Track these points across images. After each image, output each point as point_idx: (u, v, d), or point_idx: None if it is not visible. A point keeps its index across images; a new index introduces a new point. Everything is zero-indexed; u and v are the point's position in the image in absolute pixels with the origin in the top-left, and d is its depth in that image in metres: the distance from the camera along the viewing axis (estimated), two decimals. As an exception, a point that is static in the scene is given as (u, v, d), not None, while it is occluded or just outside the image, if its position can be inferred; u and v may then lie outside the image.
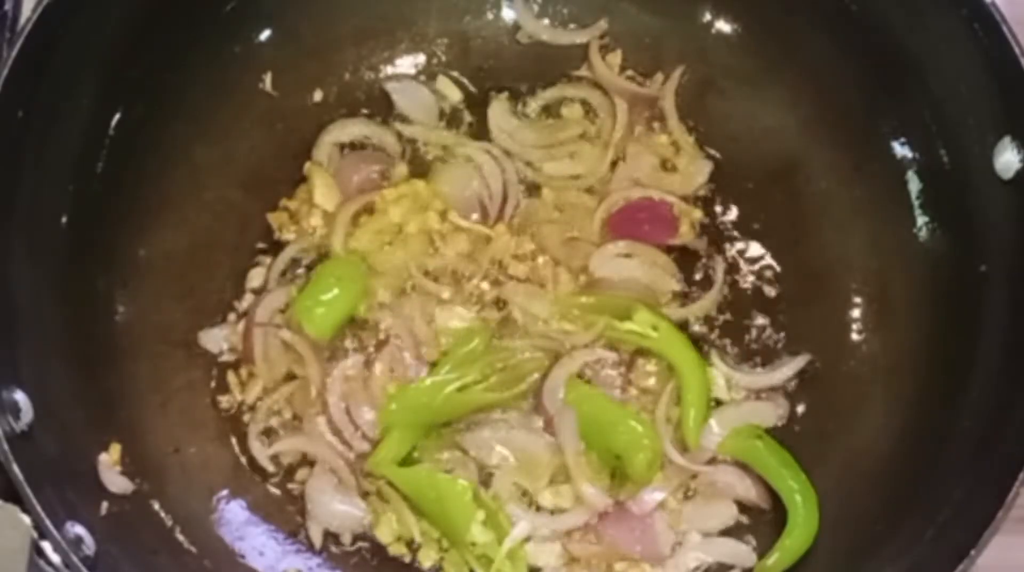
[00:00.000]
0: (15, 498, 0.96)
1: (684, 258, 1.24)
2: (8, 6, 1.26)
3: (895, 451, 1.15)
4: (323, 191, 1.24)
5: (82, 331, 1.13)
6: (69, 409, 1.08)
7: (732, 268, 1.24)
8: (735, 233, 1.25)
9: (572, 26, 1.30)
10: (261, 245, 1.24)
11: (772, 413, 1.20)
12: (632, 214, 1.24)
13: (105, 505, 1.06)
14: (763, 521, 1.18)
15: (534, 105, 1.29)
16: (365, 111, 1.29)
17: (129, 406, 1.15)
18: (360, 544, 1.17)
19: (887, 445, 1.16)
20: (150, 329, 1.19)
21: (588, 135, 1.28)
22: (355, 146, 1.28)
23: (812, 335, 1.22)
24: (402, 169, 1.26)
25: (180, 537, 1.12)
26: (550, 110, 1.29)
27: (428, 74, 1.30)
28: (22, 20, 1.21)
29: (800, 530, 1.14)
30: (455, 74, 1.30)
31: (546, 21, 1.30)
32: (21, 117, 1.03)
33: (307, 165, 1.26)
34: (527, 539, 1.15)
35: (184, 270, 1.21)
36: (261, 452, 1.18)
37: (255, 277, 1.23)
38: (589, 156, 1.27)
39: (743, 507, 1.18)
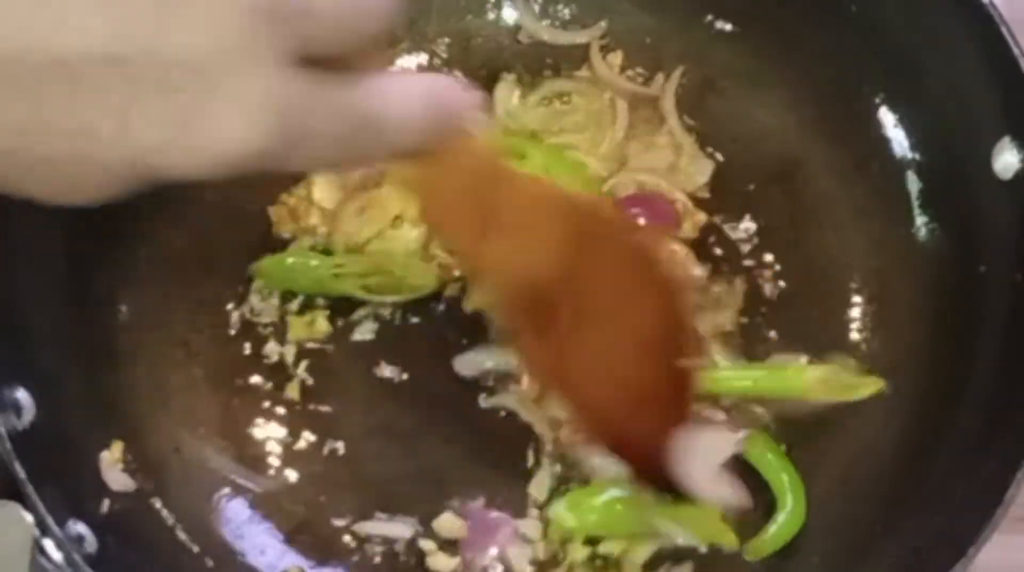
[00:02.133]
0: (17, 496, 0.96)
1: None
2: (8, 6, 1.26)
3: (894, 450, 1.15)
4: (322, 188, 1.24)
5: (84, 329, 1.13)
6: (71, 407, 1.08)
7: (732, 267, 1.24)
8: (735, 233, 1.25)
9: (573, 26, 1.31)
10: (262, 242, 1.24)
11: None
12: (628, 206, 1.23)
13: (107, 503, 1.07)
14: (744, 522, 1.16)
15: (535, 97, 1.29)
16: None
17: (131, 404, 1.15)
18: (364, 544, 1.16)
19: (886, 444, 1.16)
20: (151, 327, 1.19)
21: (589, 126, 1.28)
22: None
23: (811, 334, 1.22)
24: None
25: (181, 535, 1.12)
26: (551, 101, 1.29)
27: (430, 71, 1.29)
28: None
29: (789, 519, 1.14)
30: (457, 73, 1.30)
31: (547, 21, 1.31)
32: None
33: (306, 161, 1.26)
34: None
35: (185, 268, 1.21)
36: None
37: (256, 274, 1.23)
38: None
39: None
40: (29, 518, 0.95)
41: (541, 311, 0.81)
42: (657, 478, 0.94)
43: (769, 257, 1.24)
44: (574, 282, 0.82)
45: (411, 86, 0.67)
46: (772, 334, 1.22)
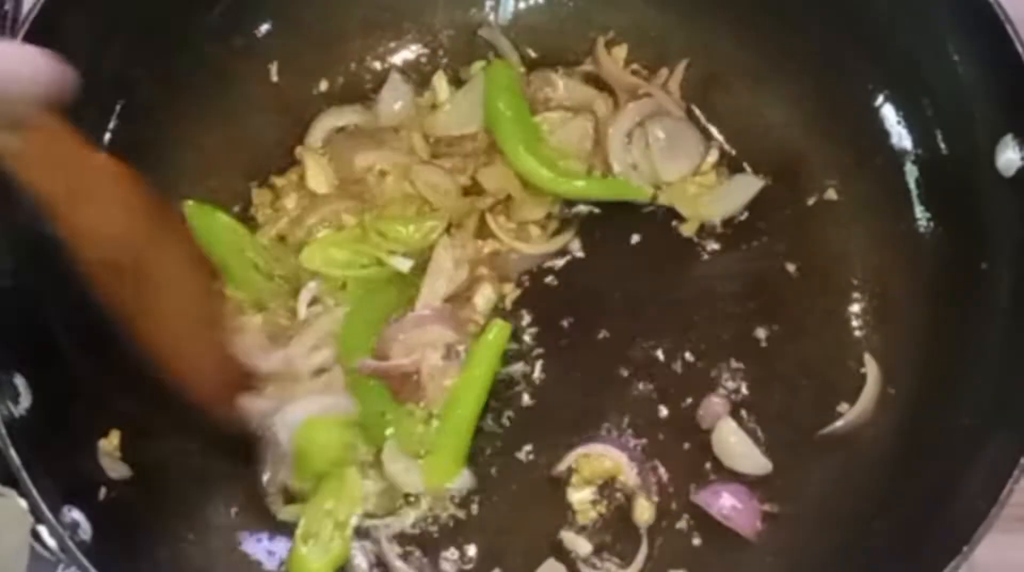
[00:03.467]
0: (14, 482, 0.96)
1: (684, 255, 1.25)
2: (8, 6, 1.27)
3: (892, 446, 1.15)
4: (315, 174, 1.25)
5: (83, 316, 1.13)
6: (69, 395, 1.07)
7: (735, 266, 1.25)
8: (738, 230, 1.25)
9: (579, 20, 1.30)
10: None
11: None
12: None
13: (103, 491, 1.07)
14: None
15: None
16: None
17: (129, 393, 1.14)
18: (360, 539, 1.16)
19: (884, 440, 1.16)
20: (151, 315, 1.19)
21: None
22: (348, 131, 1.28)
23: (812, 330, 1.22)
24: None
25: (177, 524, 1.12)
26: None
27: (432, 65, 1.30)
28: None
29: None
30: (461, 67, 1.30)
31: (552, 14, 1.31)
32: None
33: (298, 149, 1.26)
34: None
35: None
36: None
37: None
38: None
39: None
40: (24, 504, 0.95)
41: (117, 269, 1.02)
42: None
43: (770, 253, 1.24)
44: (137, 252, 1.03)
45: (15, 50, 0.83)
46: (775, 327, 1.22)
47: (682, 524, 1.17)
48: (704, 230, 1.25)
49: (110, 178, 1.01)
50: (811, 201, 1.25)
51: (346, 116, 1.28)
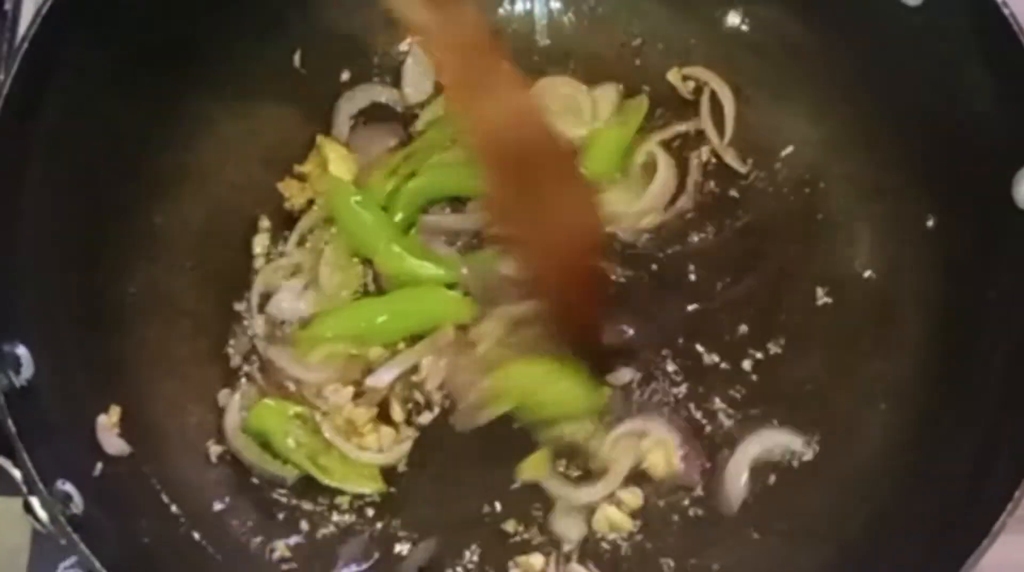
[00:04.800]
0: (10, 453, 0.96)
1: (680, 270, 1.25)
2: (8, 5, 1.28)
3: (897, 456, 1.15)
4: (337, 162, 1.25)
5: (92, 293, 1.13)
6: (72, 368, 1.08)
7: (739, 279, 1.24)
8: (748, 244, 1.25)
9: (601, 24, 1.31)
10: (275, 217, 1.25)
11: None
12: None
13: (100, 466, 1.07)
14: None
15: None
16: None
17: (133, 371, 1.15)
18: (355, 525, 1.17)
19: (890, 451, 1.15)
20: (160, 296, 1.19)
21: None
22: (370, 119, 1.29)
23: (819, 352, 1.22)
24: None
25: (171, 504, 1.12)
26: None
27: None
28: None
29: None
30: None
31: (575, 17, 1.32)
32: (38, 87, 1.04)
33: (319, 138, 1.27)
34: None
35: (198, 239, 1.22)
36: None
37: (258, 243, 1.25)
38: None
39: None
40: (18, 474, 0.95)
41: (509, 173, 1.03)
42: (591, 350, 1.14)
43: (781, 270, 1.24)
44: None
45: None
46: (781, 341, 1.22)
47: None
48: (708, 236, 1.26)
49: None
50: (824, 220, 1.25)
51: (370, 95, 1.29)
